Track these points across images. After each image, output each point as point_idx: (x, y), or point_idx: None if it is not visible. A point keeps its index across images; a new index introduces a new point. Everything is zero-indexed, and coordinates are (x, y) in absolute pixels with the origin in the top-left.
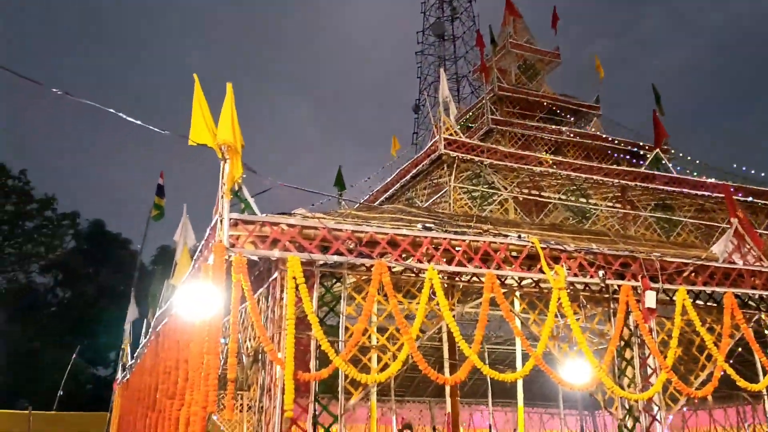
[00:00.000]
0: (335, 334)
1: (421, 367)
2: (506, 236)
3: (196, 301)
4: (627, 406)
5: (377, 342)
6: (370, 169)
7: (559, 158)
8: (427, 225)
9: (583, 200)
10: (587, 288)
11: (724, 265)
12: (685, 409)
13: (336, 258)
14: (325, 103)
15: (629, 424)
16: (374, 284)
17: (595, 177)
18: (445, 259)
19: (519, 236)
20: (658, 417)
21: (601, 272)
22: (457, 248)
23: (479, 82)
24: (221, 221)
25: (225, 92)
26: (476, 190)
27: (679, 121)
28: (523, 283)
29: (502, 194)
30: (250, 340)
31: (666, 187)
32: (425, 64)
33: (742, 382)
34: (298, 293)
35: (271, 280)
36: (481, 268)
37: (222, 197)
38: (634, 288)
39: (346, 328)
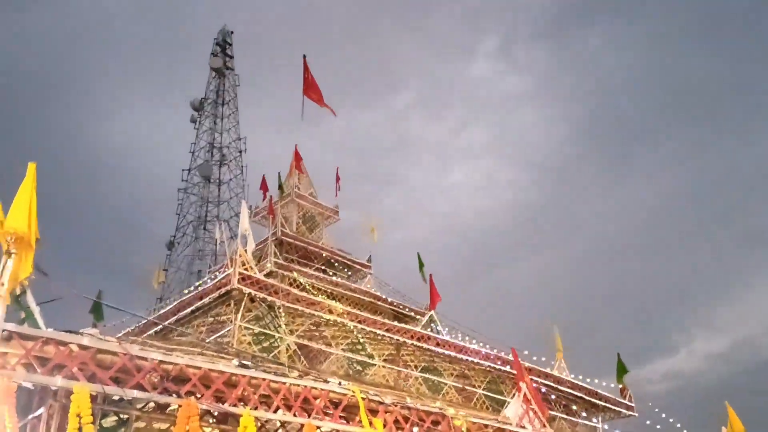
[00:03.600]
0: None
1: None
2: (327, 382)
3: None
4: None
5: None
6: (117, 301)
7: (348, 308)
8: (244, 362)
9: (364, 353)
10: None
11: (517, 430)
12: None
13: (136, 393)
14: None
15: None
16: (180, 428)
17: (378, 331)
18: (262, 403)
19: (339, 383)
20: None
21: (415, 429)
22: (276, 392)
23: (260, 224)
24: None
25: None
26: (264, 332)
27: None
28: None
29: (286, 339)
30: None
31: (437, 348)
32: (187, 203)
33: None
34: None
35: (32, 416)
36: (299, 415)
37: None
38: None
39: None
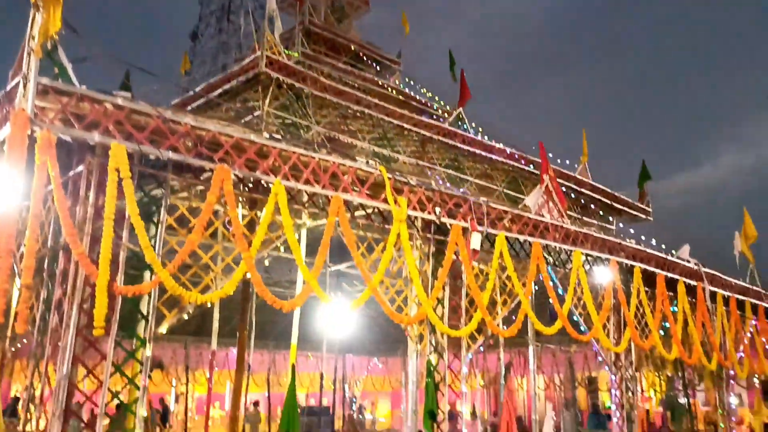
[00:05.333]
0: None
1: (258, 289)
2: (355, 160)
3: None
4: (434, 343)
5: (201, 260)
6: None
7: (375, 100)
8: (275, 136)
9: (389, 148)
10: (414, 225)
11: (536, 217)
12: (482, 349)
13: (171, 155)
14: None
15: (434, 360)
16: (214, 191)
17: (405, 125)
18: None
19: (367, 162)
20: (462, 354)
21: (437, 209)
22: (306, 165)
23: (288, 13)
24: (25, 84)
25: None
26: (290, 119)
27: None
28: (359, 213)
29: (313, 128)
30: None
31: (462, 145)
32: None
33: (539, 326)
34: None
35: (74, 172)
36: (327, 189)
37: (29, 54)
38: (463, 229)
39: (165, 241)
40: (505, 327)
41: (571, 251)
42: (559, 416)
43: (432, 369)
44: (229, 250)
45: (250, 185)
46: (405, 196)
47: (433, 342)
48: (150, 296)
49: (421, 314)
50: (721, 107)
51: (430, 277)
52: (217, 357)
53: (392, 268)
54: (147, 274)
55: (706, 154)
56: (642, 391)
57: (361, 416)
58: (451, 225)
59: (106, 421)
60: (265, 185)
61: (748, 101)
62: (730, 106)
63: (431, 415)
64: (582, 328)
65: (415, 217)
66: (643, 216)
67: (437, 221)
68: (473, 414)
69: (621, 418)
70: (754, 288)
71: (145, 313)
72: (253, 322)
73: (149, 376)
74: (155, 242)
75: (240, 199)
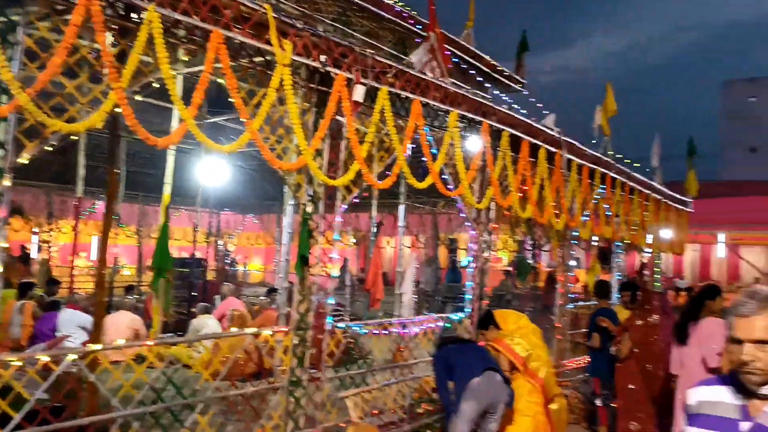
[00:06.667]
0: None
1: (129, 123)
2: None
3: None
4: (311, 193)
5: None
6: None
7: None
8: None
9: None
10: (298, 73)
11: (418, 74)
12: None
13: None
14: None
15: (310, 209)
16: (79, 11)
17: None
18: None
19: None
20: (337, 204)
21: (323, 57)
22: None
23: None
24: None
25: None
26: None
27: None
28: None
29: None
30: None
31: None
32: None
33: (411, 180)
34: None
35: None
36: (207, 23)
37: None
38: (347, 80)
39: (24, 64)
40: (380, 181)
41: (447, 113)
42: (421, 270)
43: (307, 217)
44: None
45: (122, 12)
46: (290, 40)
47: (311, 192)
48: (8, 122)
49: (301, 162)
50: None
51: (312, 128)
52: (83, 207)
53: (273, 116)
54: (4, 98)
55: (578, 34)
56: (495, 250)
57: (233, 268)
58: (335, 75)
59: None
60: (137, 17)
61: None
62: None
63: (303, 259)
64: (450, 187)
65: (300, 65)
66: (518, 87)
67: (322, 69)
68: (343, 268)
69: (476, 268)
70: (605, 158)
71: (2, 141)
72: (124, 171)
73: (7, 222)
74: (12, 65)
75: (110, 26)
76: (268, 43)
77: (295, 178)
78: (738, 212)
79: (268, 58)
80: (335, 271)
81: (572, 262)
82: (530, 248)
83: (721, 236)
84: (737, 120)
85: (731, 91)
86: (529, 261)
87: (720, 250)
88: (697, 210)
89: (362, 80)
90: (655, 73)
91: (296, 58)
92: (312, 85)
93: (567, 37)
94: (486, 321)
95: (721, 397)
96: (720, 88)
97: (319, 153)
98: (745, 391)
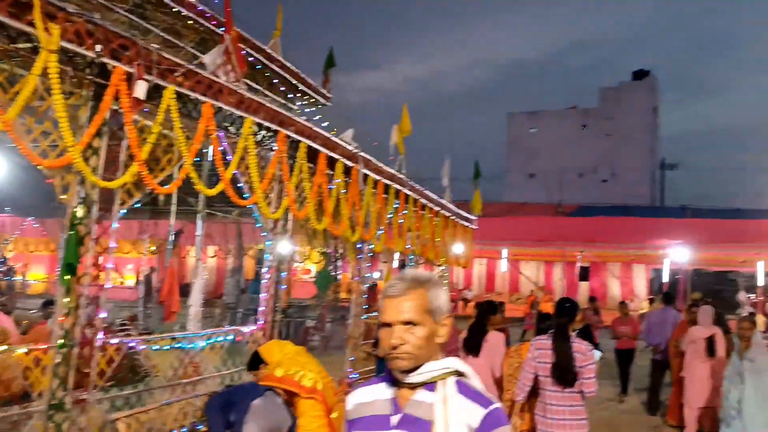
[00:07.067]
0: None
1: None
2: None
3: None
4: (83, 195)
5: None
6: None
7: None
8: None
9: None
10: (72, 61)
11: (210, 76)
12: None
13: None
14: None
15: (80, 213)
16: None
17: None
18: None
19: None
20: (114, 209)
21: (98, 46)
22: None
23: None
24: None
25: None
26: None
27: None
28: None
29: None
30: None
31: None
32: None
33: (200, 186)
34: None
35: None
36: None
37: None
38: (128, 75)
39: None
40: (166, 186)
41: (243, 120)
42: (222, 281)
43: (77, 222)
44: None
45: None
46: (59, 24)
47: (82, 194)
48: None
49: (65, 160)
50: (402, 17)
51: (87, 124)
52: None
53: (39, 108)
54: None
55: (384, 59)
56: (302, 261)
57: (8, 278)
58: (114, 68)
59: None
60: None
61: (428, 13)
62: (410, 16)
63: (70, 268)
64: (245, 195)
65: (74, 54)
66: (323, 101)
67: (96, 59)
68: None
69: (270, 280)
70: (399, 175)
71: None
72: None
73: None
74: None
75: None
76: (32, 24)
77: (65, 177)
78: (518, 230)
79: (36, 43)
80: (131, 282)
81: (375, 274)
82: (335, 260)
83: (504, 252)
84: (518, 148)
85: (514, 122)
86: (332, 272)
87: (503, 265)
88: (483, 227)
89: (145, 76)
90: (451, 101)
91: (66, 44)
92: (90, 77)
93: (375, 59)
94: (255, 361)
95: (375, 395)
96: (504, 118)
97: (94, 151)
98: (396, 382)
